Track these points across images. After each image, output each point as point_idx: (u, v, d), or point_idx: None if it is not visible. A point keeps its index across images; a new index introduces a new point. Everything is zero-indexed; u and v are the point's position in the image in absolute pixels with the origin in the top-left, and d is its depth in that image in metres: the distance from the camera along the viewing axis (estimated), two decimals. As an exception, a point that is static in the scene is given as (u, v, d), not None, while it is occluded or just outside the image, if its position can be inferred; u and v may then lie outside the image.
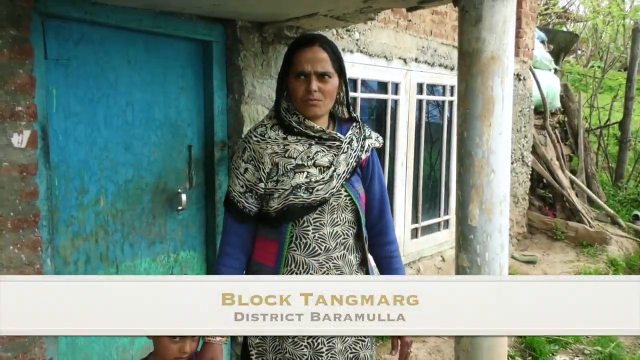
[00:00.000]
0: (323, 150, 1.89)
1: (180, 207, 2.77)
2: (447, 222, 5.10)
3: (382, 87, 4.15)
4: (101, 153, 2.47)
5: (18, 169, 2.06)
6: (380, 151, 4.23)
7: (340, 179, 1.88)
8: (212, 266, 2.95)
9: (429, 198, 4.89)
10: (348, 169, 1.90)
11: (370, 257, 2.07)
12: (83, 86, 2.38)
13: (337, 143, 1.90)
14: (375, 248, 2.08)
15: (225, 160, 2.91)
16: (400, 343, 2.04)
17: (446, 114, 4.93)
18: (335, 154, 1.89)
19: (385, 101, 4.17)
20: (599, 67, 12.21)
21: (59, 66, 2.28)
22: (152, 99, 2.65)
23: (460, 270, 1.99)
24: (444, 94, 4.88)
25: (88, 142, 2.42)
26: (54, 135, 2.29)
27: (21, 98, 2.05)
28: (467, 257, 1.95)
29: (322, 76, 1.84)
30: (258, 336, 1.94)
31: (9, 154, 2.03)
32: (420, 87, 4.51)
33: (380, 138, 2.08)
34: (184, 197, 2.76)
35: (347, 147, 1.91)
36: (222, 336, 1.84)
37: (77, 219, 2.41)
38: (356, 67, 3.76)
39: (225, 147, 2.90)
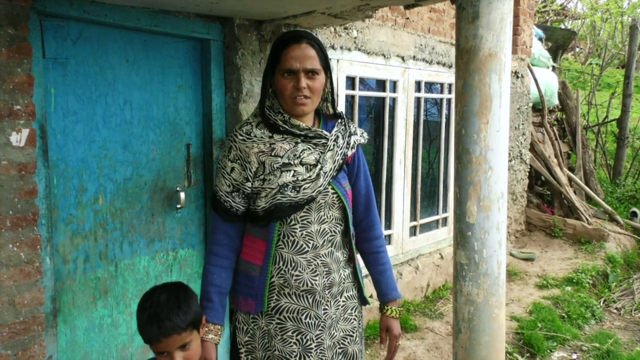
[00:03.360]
0: (309, 149, 1.89)
1: (179, 206, 2.77)
2: (445, 219, 5.11)
3: (380, 85, 4.16)
4: (100, 152, 2.48)
5: (17, 167, 2.06)
6: (379, 149, 4.24)
7: (327, 176, 1.88)
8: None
9: (427, 196, 4.90)
10: (335, 167, 1.90)
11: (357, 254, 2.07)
12: (81, 85, 2.38)
13: (323, 141, 1.90)
14: (362, 243, 2.09)
15: (224, 159, 2.91)
16: (389, 337, 2.06)
17: (444, 111, 4.94)
18: (321, 152, 1.89)
19: (383, 99, 4.18)
20: (597, 64, 12.23)
21: (57, 65, 2.29)
22: (151, 98, 2.65)
23: (458, 267, 2.00)
24: (442, 92, 4.89)
25: (87, 140, 2.42)
26: (53, 134, 2.29)
27: (19, 97, 2.05)
28: (465, 254, 1.96)
29: (310, 73, 1.83)
30: (247, 334, 1.96)
31: (8, 153, 2.03)
32: (418, 84, 4.52)
33: (365, 134, 2.08)
34: (182, 195, 2.76)
35: (333, 145, 1.91)
36: (214, 335, 1.84)
37: (76, 217, 2.42)
38: (354, 65, 3.77)
39: (223, 145, 2.91)
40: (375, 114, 4.20)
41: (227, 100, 2.90)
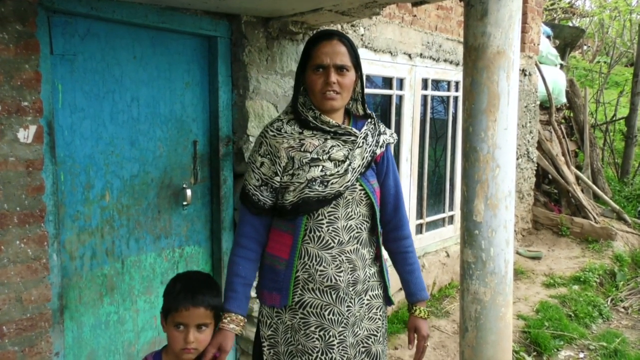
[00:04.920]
0: (338, 145, 1.91)
1: (185, 203, 2.77)
2: (451, 217, 5.10)
3: (387, 82, 4.15)
4: (107, 148, 2.48)
5: (24, 164, 2.07)
6: (385, 147, 4.23)
7: (355, 172, 1.89)
8: (218, 261, 2.96)
9: (433, 194, 4.88)
10: (363, 163, 1.92)
11: (384, 253, 2.08)
12: (89, 82, 2.39)
13: (353, 138, 1.92)
14: (390, 243, 2.10)
15: (230, 156, 2.91)
16: (417, 337, 2.06)
17: (451, 109, 4.92)
18: (350, 149, 1.91)
19: (390, 97, 4.17)
20: (605, 62, 12.17)
21: (65, 62, 2.29)
22: (158, 95, 2.65)
23: (465, 265, 1.99)
24: (448, 90, 4.87)
25: (94, 137, 2.43)
26: (60, 130, 2.29)
27: (27, 93, 2.05)
28: (472, 253, 1.95)
29: (340, 69, 1.87)
30: (270, 328, 1.98)
31: (15, 149, 2.04)
32: (425, 82, 4.50)
33: (395, 135, 2.11)
34: (189, 192, 2.76)
35: (363, 142, 1.93)
36: (236, 325, 1.86)
37: (83, 214, 2.42)
38: (361, 62, 3.75)
39: (230, 142, 2.90)
40: (382, 112, 4.19)
41: (233, 97, 2.90)
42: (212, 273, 2.99)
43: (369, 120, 2.02)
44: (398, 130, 4.28)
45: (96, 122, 2.43)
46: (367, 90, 3.86)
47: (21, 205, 2.08)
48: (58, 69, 2.26)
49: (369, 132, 1.97)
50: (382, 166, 2.02)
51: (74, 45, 2.31)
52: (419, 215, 4.67)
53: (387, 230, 2.08)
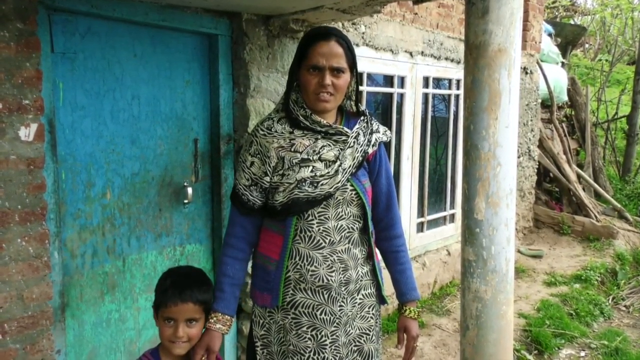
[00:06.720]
0: (329, 145, 1.88)
1: (186, 201, 2.78)
2: (452, 216, 5.10)
3: (388, 80, 4.14)
4: (108, 146, 2.48)
5: (25, 162, 2.07)
6: (386, 145, 4.22)
7: (345, 173, 1.88)
8: (218, 258, 2.96)
9: (434, 192, 4.88)
10: (354, 164, 1.90)
11: (377, 252, 2.07)
12: (89, 80, 2.38)
13: (344, 137, 1.90)
14: (382, 242, 2.08)
15: (231, 154, 2.91)
16: (406, 337, 2.05)
17: (452, 107, 4.92)
18: (341, 149, 1.89)
19: (391, 95, 4.16)
20: (606, 60, 12.14)
21: (66, 60, 2.29)
22: (158, 93, 2.65)
23: (466, 264, 1.99)
24: (450, 88, 4.86)
25: (95, 135, 2.43)
26: (61, 128, 2.29)
27: (28, 92, 2.05)
28: (473, 251, 1.94)
29: (336, 71, 1.84)
30: (263, 328, 1.97)
31: (16, 147, 2.04)
32: (426, 80, 4.50)
33: (389, 132, 2.07)
34: (190, 190, 2.76)
35: (354, 142, 1.91)
36: (222, 325, 1.85)
37: (84, 212, 2.42)
38: (362, 60, 3.75)
39: (231, 140, 2.90)
40: (383, 110, 4.19)
41: (234, 95, 2.90)
42: (213, 271, 2.99)
43: (362, 118, 1.99)
44: (399, 129, 4.28)
45: (97, 120, 2.43)
46: (368, 88, 3.86)
47: (22, 203, 2.08)
48: (59, 67, 2.26)
49: (360, 131, 1.94)
50: (374, 165, 2.00)
51: (74, 43, 2.31)
52: (420, 213, 4.67)
53: (378, 229, 2.06)
